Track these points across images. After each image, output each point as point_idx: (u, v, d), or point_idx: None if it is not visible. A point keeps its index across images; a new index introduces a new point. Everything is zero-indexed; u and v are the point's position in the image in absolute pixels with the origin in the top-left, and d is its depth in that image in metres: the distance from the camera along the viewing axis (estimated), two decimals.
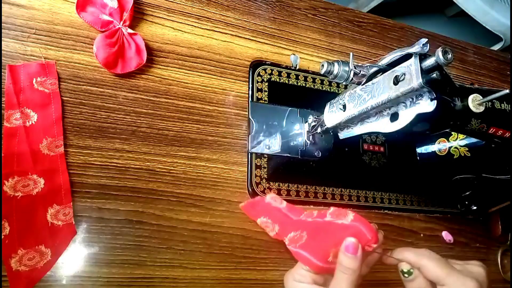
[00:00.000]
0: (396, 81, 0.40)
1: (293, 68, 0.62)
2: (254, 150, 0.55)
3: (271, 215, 0.47)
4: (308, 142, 0.58)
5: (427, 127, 0.44)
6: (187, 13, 0.57)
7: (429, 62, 0.37)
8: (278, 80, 0.60)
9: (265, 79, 0.59)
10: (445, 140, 0.62)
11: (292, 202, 0.55)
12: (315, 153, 0.59)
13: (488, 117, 0.43)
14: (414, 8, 1.86)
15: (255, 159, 0.55)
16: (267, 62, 0.60)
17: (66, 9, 0.50)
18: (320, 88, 0.63)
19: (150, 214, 0.48)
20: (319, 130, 0.55)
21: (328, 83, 0.63)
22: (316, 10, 0.67)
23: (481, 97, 0.42)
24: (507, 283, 0.67)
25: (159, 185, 0.49)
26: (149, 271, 0.46)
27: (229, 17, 0.59)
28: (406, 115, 0.41)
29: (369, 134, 0.63)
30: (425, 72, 0.38)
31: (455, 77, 0.76)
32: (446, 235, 0.64)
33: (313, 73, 0.63)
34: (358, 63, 0.44)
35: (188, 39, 0.56)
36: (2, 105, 0.44)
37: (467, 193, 0.65)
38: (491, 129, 0.44)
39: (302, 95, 0.61)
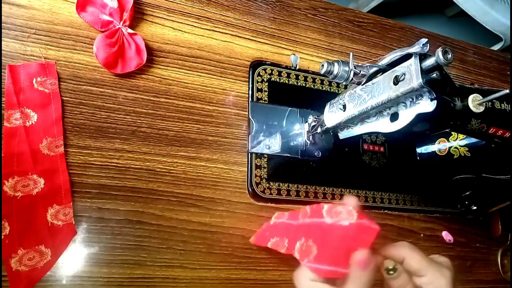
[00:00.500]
0: (396, 81, 0.40)
1: (293, 68, 0.62)
2: (254, 150, 0.55)
3: (278, 233, 0.47)
4: (308, 142, 0.58)
5: (427, 127, 0.44)
6: (187, 13, 0.57)
7: (429, 62, 0.37)
8: (278, 80, 0.60)
9: (265, 79, 0.59)
10: (445, 140, 0.62)
11: (292, 202, 0.55)
12: (315, 153, 0.59)
13: (488, 117, 0.43)
14: (414, 8, 1.86)
15: (255, 159, 0.55)
16: (267, 62, 0.60)
17: (66, 9, 0.50)
18: (320, 88, 0.63)
19: (150, 214, 0.48)
20: (319, 130, 0.55)
21: (328, 83, 0.63)
22: (316, 10, 0.67)
23: (481, 97, 0.42)
24: (507, 283, 0.67)
25: (159, 185, 0.49)
26: (149, 271, 0.46)
27: (229, 17, 0.59)
28: (406, 115, 0.41)
29: (369, 134, 0.63)
30: (425, 72, 0.38)
31: (455, 77, 0.76)
32: (446, 235, 0.64)
33: (313, 73, 0.63)
34: (358, 63, 0.44)
35: (188, 39, 0.56)
36: (2, 105, 0.44)
37: (467, 193, 0.65)
38: (491, 129, 0.44)
39: (302, 95, 0.61)
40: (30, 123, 0.45)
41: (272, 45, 0.62)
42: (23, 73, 0.46)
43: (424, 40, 0.38)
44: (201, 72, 0.55)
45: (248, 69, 0.58)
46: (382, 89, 0.42)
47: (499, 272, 0.67)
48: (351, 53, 0.44)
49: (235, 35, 0.59)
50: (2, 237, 0.41)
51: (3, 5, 0.47)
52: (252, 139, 0.55)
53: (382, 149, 0.64)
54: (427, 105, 0.39)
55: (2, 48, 0.45)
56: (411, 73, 0.38)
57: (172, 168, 0.50)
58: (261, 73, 0.59)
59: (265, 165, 0.55)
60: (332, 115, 0.50)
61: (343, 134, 0.51)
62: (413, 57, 0.39)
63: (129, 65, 0.50)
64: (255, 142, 0.56)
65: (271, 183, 0.55)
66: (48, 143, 0.45)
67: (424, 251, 0.40)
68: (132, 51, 0.50)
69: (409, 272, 0.39)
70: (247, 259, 0.51)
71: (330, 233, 0.39)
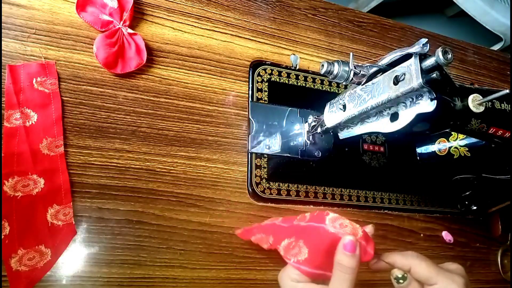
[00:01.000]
0: (396, 81, 0.40)
1: (293, 68, 0.62)
2: (254, 150, 0.55)
3: (265, 231, 0.47)
4: (308, 142, 0.58)
5: (427, 127, 0.44)
6: (187, 13, 0.57)
7: (429, 62, 0.37)
8: (278, 80, 0.60)
9: (265, 79, 0.59)
10: (445, 140, 0.62)
11: (292, 202, 0.55)
12: (315, 153, 0.59)
13: (488, 117, 0.43)
14: (414, 8, 1.86)
15: (255, 159, 0.55)
16: (267, 62, 0.60)
17: (66, 9, 0.50)
18: (320, 88, 0.63)
19: (150, 214, 0.48)
20: (319, 130, 0.55)
21: (328, 83, 0.63)
22: (316, 10, 0.67)
23: (481, 97, 0.42)
24: (507, 283, 0.67)
25: (159, 185, 0.49)
26: (149, 271, 0.46)
27: (229, 17, 0.59)
28: (406, 115, 0.41)
29: (369, 134, 0.63)
30: (425, 72, 0.38)
31: (455, 77, 0.76)
32: (446, 235, 0.64)
33: (313, 73, 0.63)
34: (358, 63, 0.44)
35: (188, 39, 0.56)
36: (2, 105, 0.44)
37: (467, 193, 0.65)
38: (491, 129, 0.44)
39: (302, 95, 0.61)
40: (30, 123, 0.45)
41: (272, 45, 0.62)
42: (23, 73, 0.46)
43: (424, 40, 0.38)
44: (201, 72, 0.55)
45: (248, 69, 0.58)
46: (382, 89, 0.42)
47: (499, 272, 0.67)
48: (351, 53, 0.44)
49: (235, 35, 0.59)
50: (2, 237, 0.41)
51: (3, 5, 0.47)
52: (252, 139, 0.55)
53: (382, 149, 0.64)
54: (427, 105, 0.39)
55: (2, 48, 0.45)
56: (411, 73, 0.38)
57: (172, 168, 0.50)
58: (261, 73, 0.59)
59: (265, 165, 0.55)
60: (332, 115, 0.50)
61: (343, 134, 0.51)
62: (413, 57, 0.39)
63: (129, 65, 0.50)
64: (255, 142, 0.56)
65: (271, 183, 0.55)
66: (48, 143, 0.45)
67: (424, 251, 0.40)
68: (132, 51, 0.50)
69: (419, 281, 0.38)
70: (247, 259, 0.51)
71: (326, 239, 0.39)
